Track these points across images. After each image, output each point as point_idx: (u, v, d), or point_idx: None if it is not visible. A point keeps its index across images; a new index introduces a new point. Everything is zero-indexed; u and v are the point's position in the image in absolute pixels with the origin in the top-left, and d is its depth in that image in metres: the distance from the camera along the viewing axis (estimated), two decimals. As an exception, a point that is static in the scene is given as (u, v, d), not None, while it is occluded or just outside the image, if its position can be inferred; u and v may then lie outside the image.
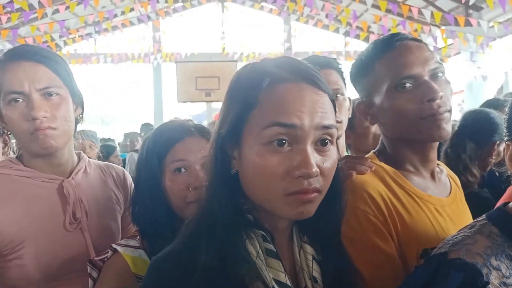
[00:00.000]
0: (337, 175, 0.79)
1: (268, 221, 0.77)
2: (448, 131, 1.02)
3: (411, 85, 1.00)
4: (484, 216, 0.87)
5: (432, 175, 1.10)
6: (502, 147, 1.89)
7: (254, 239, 0.75)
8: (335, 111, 0.79)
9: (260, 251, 0.74)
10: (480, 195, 1.82)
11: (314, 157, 0.71)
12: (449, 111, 1.02)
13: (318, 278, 0.80)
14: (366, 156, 1.14)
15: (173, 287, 0.71)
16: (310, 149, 0.71)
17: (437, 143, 1.08)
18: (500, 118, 1.94)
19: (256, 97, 0.73)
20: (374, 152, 1.15)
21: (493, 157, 1.95)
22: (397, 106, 1.02)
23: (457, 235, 0.85)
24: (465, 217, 1.11)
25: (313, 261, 0.81)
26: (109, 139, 6.33)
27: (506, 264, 0.76)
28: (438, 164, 1.16)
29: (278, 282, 0.73)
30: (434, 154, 1.09)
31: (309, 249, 0.82)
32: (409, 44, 1.03)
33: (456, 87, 10.45)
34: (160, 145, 1.16)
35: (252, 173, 0.73)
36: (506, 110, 0.93)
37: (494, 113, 2.04)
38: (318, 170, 0.71)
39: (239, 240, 0.74)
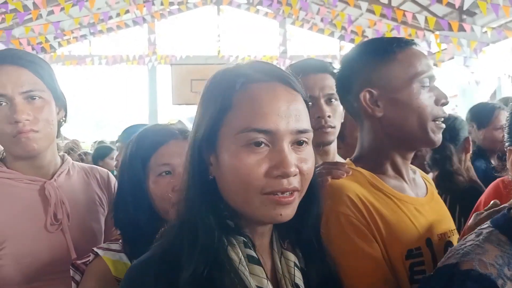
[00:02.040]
0: (314, 178, 0.78)
1: (249, 228, 0.76)
2: (441, 138, 1.05)
3: (429, 84, 1.03)
4: (489, 222, 0.86)
5: (408, 177, 1.10)
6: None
7: (236, 245, 0.74)
8: (309, 111, 0.78)
9: (242, 257, 0.73)
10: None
11: (292, 157, 0.71)
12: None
13: (301, 285, 0.78)
14: (342, 162, 1.14)
15: None
16: (288, 149, 0.71)
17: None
18: (461, 118, 2.26)
19: (231, 99, 0.73)
20: (351, 159, 1.14)
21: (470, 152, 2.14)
22: (420, 102, 1.02)
23: (465, 244, 0.83)
24: (445, 215, 1.12)
25: (295, 268, 0.79)
26: (101, 142, 6.29)
27: None
28: (410, 166, 1.16)
29: None
30: (410, 159, 1.11)
31: (290, 256, 0.80)
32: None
33: (450, 92, 10.50)
34: (144, 148, 1.15)
35: (230, 176, 0.72)
36: (507, 115, 0.94)
37: (453, 115, 2.28)
38: (297, 169, 0.71)
39: (221, 247, 0.73)
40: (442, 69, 9.29)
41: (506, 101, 2.75)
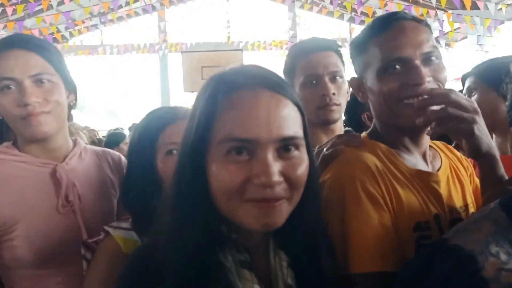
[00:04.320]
0: (312, 182, 0.76)
1: (242, 232, 0.75)
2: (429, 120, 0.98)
3: (400, 68, 0.99)
4: (498, 200, 0.86)
5: (424, 156, 1.10)
6: None
7: (227, 251, 0.74)
8: (302, 114, 0.75)
9: (232, 263, 0.73)
10: None
11: (276, 165, 0.68)
12: None
13: (293, 285, 0.78)
14: (358, 134, 1.16)
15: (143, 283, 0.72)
16: (271, 157, 0.68)
17: (427, 128, 1.04)
18: None
19: (215, 108, 0.71)
20: (367, 133, 1.15)
21: None
22: (383, 87, 1.01)
23: (467, 220, 0.85)
24: (458, 191, 1.11)
25: (288, 267, 0.79)
26: (117, 129, 6.39)
27: (507, 249, 0.74)
28: (432, 145, 1.16)
29: None
30: (424, 138, 1.09)
31: (283, 255, 0.80)
32: (405, 25, 1.00)
33: (463, 71, 10.27)
34: (152, 128, 1.18)
35: (215, 184, 0.71)
36: (508, 96, 0.94)
37: None
38: (281, 178, 0.69)
39: (212, 252, 0.73)
40: (455, 48, 9.11)
41: None
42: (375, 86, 1.04)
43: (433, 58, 1.00)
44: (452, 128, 0.94)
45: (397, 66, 0.99)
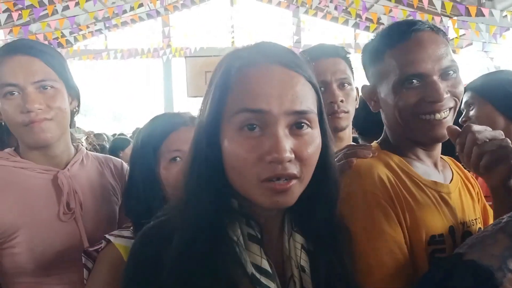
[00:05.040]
0: (328, 163, 0.77)
1: (255, 208, 0.75)
2: (444, 134, 0.98)
3: (417, 83, 0.97)
4: (511, 213, 0.83)
5: (435, 165, 1.08)
6: None
7: (236, 224, 0.74)
8: (318, 94, 0.76)
9: (240, 235, 0.73)
10: None
11: (287, 141, 0.69)
12: (452, 108, 0.99)
13: (306, 268, 0.77)
14: (369, 145, 1.13)
15: (153, 258, 0.73)
16: (282, 133, 0.68)
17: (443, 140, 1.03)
18: None
19: (229, 83, 0.72)
20: (377, 142, 1.13)
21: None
22: (400, 102, 0.99)
23: (480, 233, 0.82)
24: (468, 203, 1.09)
25: (302, 250, 0.78)
26: (121, 134, 6.42)
27: None
28: (441, 157, 1.14)
29: (257, 267, 0.72)
30: (437, 149, 1.07)
31: (298, 237, 0.79)
32: (424, 37, 0.97)
33: (469, 78, 10.25)
34: (155, 135, 1.17)
35: (229, 161, 0.72)
36: None
37: None
38: (292, 155, 0.69)
39: (219, 223, 0.73)
40: (460, 55, 9.09)
41: None
42: (391, 98, 1.01)
43: (450, 72, 0.98)
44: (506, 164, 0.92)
45: (414, 81, 0.97)
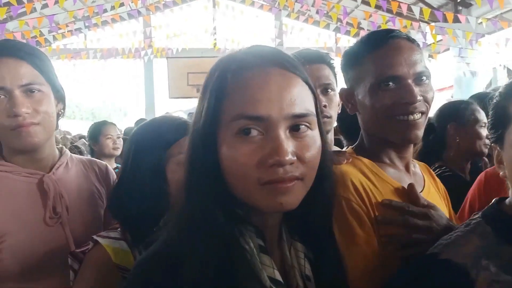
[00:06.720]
0: (324, 164, 0.75)
1: (257, 217, 0.73)
2: (418, 135, 1.04)
3: (393, 85, 1.02)
4: (480, 213, 0.88)
5: (407, 169, 1.13)
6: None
7: (247, 235, 0.72)
8: (314, 95, 0.75)
9: (253, 248, 0.71)
10: None
11: (288, 144, 0.67)
12: (424, 113, 1.04)
13: (311, 276, 0.77)
14: (343, 150, 1.17)
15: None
16: (283, 135, 0.67)
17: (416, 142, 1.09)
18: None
19: (225, 87, 0.70)
20: (352, 147, 1.17)
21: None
22: (376, 103, 1.04)
23: (452, 234, 0.86)
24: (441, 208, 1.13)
25: (305, 259, 0.78)
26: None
27: (496, 262, 0.76)
28: (413, 161, 1.19)
29: (272, 279, 0.70)
30: (409, 151, 1.12)
31: (300, 246, 0.79)
32: (400, 44, 1.03)
33: (446, 82, 10.51)
34: (166, 136, 1.16)
35: (228, 167, 0.69)
36: (490, 112, 0.95)
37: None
38: (294, 157, 0.67)
39: (233, 237, 0.70)
40: (437, 60, 9.30)
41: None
42: (367, 100, 1.05)
43: (423, 78, 1.04)
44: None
45: (390, 83, 1.02)
